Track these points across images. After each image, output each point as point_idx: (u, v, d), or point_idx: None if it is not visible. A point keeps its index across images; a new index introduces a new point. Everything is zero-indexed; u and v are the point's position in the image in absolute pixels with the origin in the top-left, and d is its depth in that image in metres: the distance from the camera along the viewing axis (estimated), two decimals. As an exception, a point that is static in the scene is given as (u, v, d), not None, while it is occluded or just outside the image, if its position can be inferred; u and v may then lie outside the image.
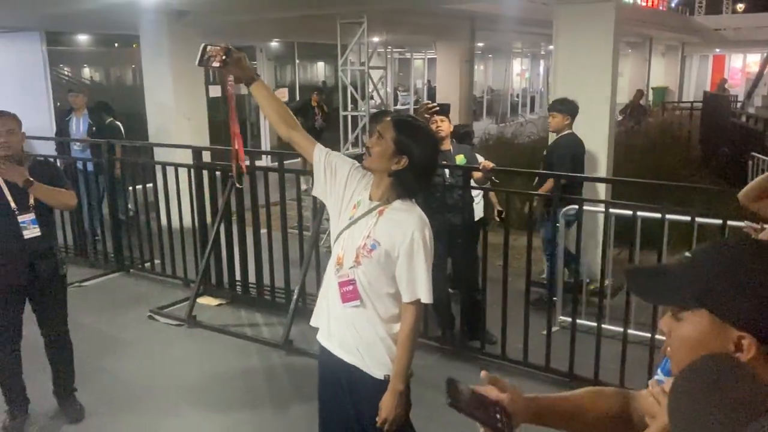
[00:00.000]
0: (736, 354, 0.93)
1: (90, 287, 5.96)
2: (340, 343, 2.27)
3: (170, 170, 5.83)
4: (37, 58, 9.80)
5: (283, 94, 12.60)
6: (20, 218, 3.35)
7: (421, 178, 2.22)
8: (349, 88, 7.48)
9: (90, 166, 6.71)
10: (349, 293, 2.22)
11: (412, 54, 19.90)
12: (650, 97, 22.46)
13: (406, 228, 2.16)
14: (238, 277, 5.56)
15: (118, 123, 7.31)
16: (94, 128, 6.95)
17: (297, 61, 14.37)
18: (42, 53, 9.80)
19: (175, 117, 7.77)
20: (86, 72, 11.97)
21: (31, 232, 3.38)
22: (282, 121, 2.34)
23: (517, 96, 23.63)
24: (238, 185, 5.04)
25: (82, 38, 11.17)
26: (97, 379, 4.17)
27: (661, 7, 21.87)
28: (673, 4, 25.06)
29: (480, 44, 18.33)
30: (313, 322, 2.40)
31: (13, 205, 3.34)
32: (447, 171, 4.46)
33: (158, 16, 7.46)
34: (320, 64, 16.53)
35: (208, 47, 2.21)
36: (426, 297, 2.19)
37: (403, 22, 11.31)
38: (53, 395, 3.78)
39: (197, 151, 5.64)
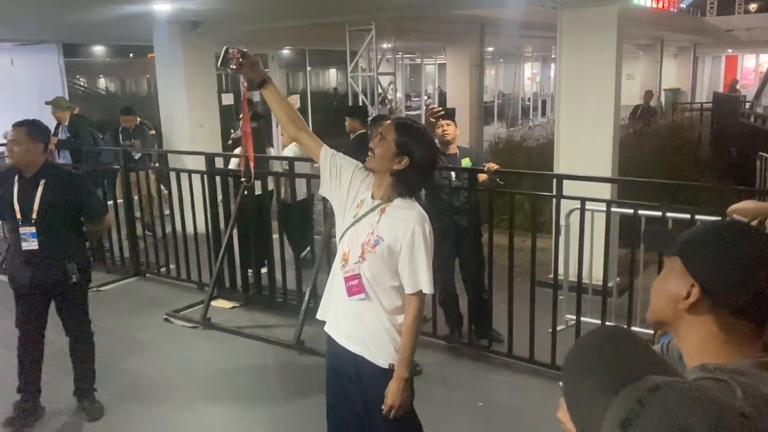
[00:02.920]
0: (684, 300, 1.09)
1: (107, 292, 6.12)
2: (347, 335, 2.38)
3: (183, 176, 5.97)
4: (54, 69, 10.04)
5: (295, 100, 12.76)
6: (21, 230, 3.49)
7: (420, 176, 2.34)
8: (360, 95, 7.61)
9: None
10: (355, 287, 2.32)
11: (423, 59, 20.03)
12: (662, 99, 22.38)
13: (407, 224, 2.28)
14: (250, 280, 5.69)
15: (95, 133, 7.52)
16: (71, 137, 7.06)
17: (308, 68, 14.55)
18: (59, 64, 10.04)
19: (188, 124, 7.93)
20: (101, 82, 12.21)
21: (29, 244, 3.49)
22: (291, 122, 2.48)
23: (528, 100, 23.66)
24: (245, 182, 5.14)
25: (98, 49, 11.41)
26: (117, 379, 4.30)
27: (672, 9, 21.82)
28: (684, 5, 24.97)
29: (490, 49, 18.42)
30: (319, 315, 2.51)
31: (18, 216, 3.48)
32: (453, 173, 4.55)
33: (172, 26, 7.64)
34: (332, 71, 16.72)
35: (230, 50, 2.34)
36: (427, 288, 2.31)
37: (412, 29, 11.43)
38: (73, 395, 3.92)
39: (210, 158, 5.78)
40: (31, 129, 3.49)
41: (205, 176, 5.74)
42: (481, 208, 4.79)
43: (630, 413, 0.67)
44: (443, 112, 4.48)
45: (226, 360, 4.66)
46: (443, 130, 4.49)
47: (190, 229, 6.05)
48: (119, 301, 5.86)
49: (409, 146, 2.28)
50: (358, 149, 4.14)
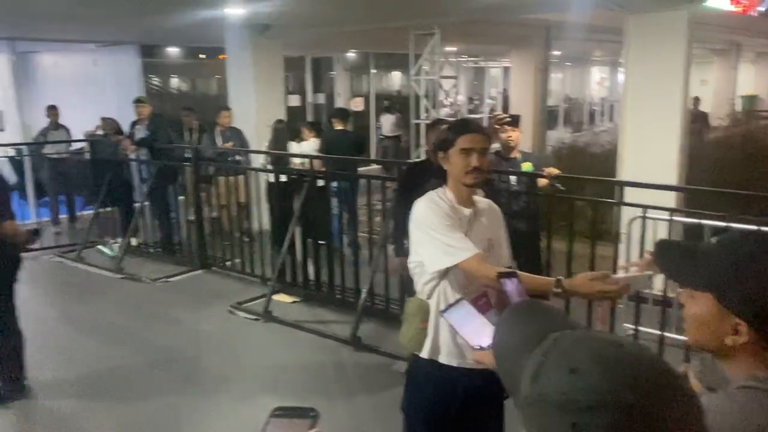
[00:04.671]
0: (733, 336, 1.06)
1: (176, 283, 6.41)
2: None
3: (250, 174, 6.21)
4: (133, 69, 10.56)
5: (359, 103, 12.97)
6: None
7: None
8: (422, 99, 7.69)
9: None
10: (485, 305, 2.14)
11: (487, 63, 19.91)
12: (738, 106, 21.48)
13: (494, 211, 2.42)
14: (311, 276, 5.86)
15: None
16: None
17: (372, 71, 14.72)
18: (138, 65, 10.54)
19: (256, 124, 8.20)
20: (175, 82, 12.72)
21: None
22: None
23: (596, 105, 23.16)
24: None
25: (172, 51, 11.90)
26: (178, 366, 4.54)
27: (752, 12, 20.89)
28: (764, 8, 23.87)
29: (557, 52, 18.15)
30: (443, 360, 2.34)
31: None
32: (513, 177, 4.58)
33: (242, 30, 7.92)
34: (396, 74, 16.85)
35: None
36: (511, 261, 2.47)
37: (478, 32, 11.42)
38: None
39: (275, 157, 5.99)
40: None
41: (269, 175, 5.96)
42: (541, 214, 4.79)
43: (538, 366, 0.75)
44: (509, 119, 4.55)
45: (284, 353, 4.82)
46: (507, 136, 4.56)
47: (255, 224, 6.28)
48: (186, 292, 6.13)
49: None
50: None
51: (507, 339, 0.91)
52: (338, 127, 7.14)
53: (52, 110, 8.49)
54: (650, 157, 5.20)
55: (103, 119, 7.98)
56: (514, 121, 4.71)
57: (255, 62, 8.12)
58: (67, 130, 8.52)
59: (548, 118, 14.75)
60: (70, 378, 4.41)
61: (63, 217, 8.57)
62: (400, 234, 4.21)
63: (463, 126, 2.36)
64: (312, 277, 5.85)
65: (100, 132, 8.01)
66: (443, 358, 2.34)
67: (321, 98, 13.53)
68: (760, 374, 1.06)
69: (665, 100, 5.10)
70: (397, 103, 12.76)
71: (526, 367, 0.76)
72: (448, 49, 13.77)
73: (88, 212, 7.99)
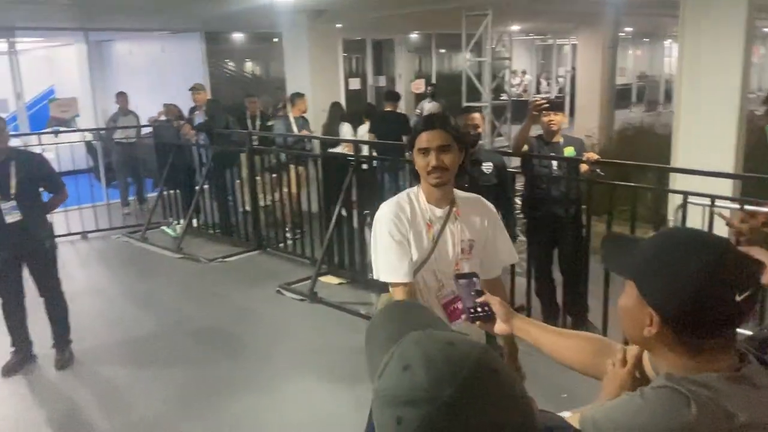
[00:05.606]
0: (648, 327, 1.05)
1: (231, 263, 6.66)
2: None
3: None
4: (197, 55, 10.91)
5: (420, 85, 12.90)
6: (2, 206, 4.02)
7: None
8: (474, 80, 7.59)
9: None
10: (458, 311, 2.13)
11: (555, 41, 19.35)
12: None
13: (482, 209, 2.29)
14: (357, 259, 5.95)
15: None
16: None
17: (435, 52, 14.61)
18: (201, 51, 10.89)
19: (311, 108, 8.33)
20: (236, 67, 13.03)
21: (12, 217, 4.05)
22: None
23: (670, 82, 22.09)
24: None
25: (234, 36, 12.21)
26: (224, 341, 4.75)
27: None
28: None
29: (628, 29, 17.42)
30: None
31: None
32: (554, 162, 4.49)
33: (298, 15, 8.04)
34: (460, 55, 16.64)
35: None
36: (513, 258, 2.39)
37: (540, 11, 11.12)
38: (52, 347, 4.44)
39: (325, 141, 6.08)
40: (3, 121, 4.11)
41: (319, 159, 6.07)
42: (583, 199, 4.67)
43: (384, 364, 0.79)
44: (547, 105, 4.43)
45: (327, 334, 4.94)
46: (549, 120, 4.45)
47: (305, 207, 6.43)
48: (239, 272, 6.36)
49: (462, 136, 2.22)
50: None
51: (374, 336, 0.96)
52: (388, 109, 7.18)
53: (122, 97, 8.91)
54: (705, 141, 4.95)
55: (166, 105, 8.32)
56: (556, 106, 4.61)
57: (310, 46, 8.24)
58: (136, 116, 8.92)
59: (619, 97, 14.22)
60: (122, 347, 4.75)
61: (132, 199, 9.01)
62: None
63: (423, 124, 2.19)
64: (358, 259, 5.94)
65: (163, 117, 8.34)
66: None
67: (382, 81, 13.55)
68: (675, 374, 1.05)
69: (721, 79, 4.82)
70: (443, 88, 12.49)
71: (379, 366, 0.80)
72: (513, 28, 13.47)
73: (155, 194, 8.38)
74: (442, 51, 15.25)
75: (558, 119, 4.48)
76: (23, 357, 4.40)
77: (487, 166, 4.17)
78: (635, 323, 1.10)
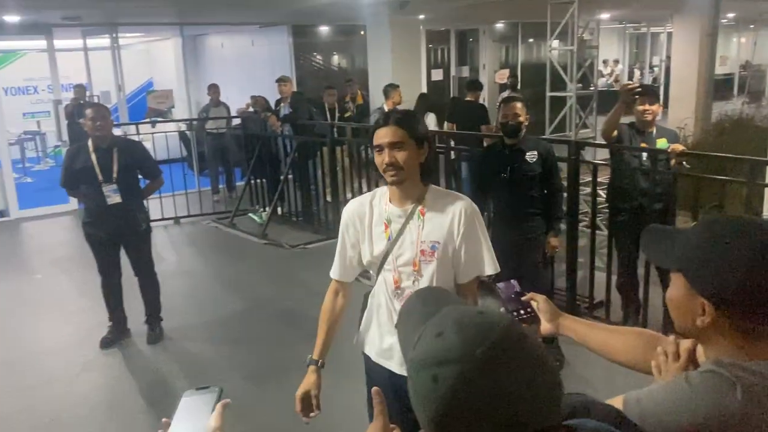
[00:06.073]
0: (701, 317, 1.05)
1: (311, 250, 6.86)
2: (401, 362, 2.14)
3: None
4: (284, 48, 11.22)
5: (504, 76, 12.69)
6: (104, 188, 4.32)
7: (433, 150, 2.21)
8: (559, 69, 7.41)
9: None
10: None
11: (650, 29, 18.51)
12: None
13: (456, 208, 2.09)
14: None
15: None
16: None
17: (521, 42, 14.33)
18: (288, 44, 11.18)
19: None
20: (321, 59, 13.28)
21: (113, 199, 4.35)
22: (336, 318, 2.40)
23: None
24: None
25: (319, 30, 12.45)
26: (303, 324, 4.88)
27: None
28: None
29: (731, 15, 16.43)
30: (367, 350, 2.38)
31: (100, 177, 4.31)
32: (644, 154, 4.32)
33: (380, 6, 8.11)
34: (547, 44, 16.23)
35: None
36: (493, 268, 2.14)
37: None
38: (144, 323, 4.75)
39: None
40: (107, 110, 4.48)
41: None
42: (678, 192, 4.47)
43: (419, 336, 0.85)
44: (639, 89, 4.25)
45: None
46: (644, 109, 4.25)
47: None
48: (320, 259, 6.45)
49: (419, 131, 2.07)
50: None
51: (407, 317, 1.01)
52: (468, 99, 7.15)
53: (214, 89, 9.31)
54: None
55: (254, 97, 8.62)
56: (650, 91, 4.42)
57: (392, 38, 8.29)
58: (226, 107, 9.30)
59: (718, 88, 13.45)
60: (208, 326, 5.05)
61: (221, 187, 9.42)
62: None
63: (381, 120, 2.08)
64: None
65: (251, 109, 8.65)
66: (370, 353, 2.35)
67: (465, 71, 13.43)
68: (725, 359, 1.02)
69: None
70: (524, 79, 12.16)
71: (413, 340, 0.86)
72: (603, 16, 13.00)
73: (242, 183, 8.73)
74: (530, 41, 14.90)
75: (654, 109, 4.29)
76: (119, 331, 4.73)
77: (531, 155, 4.05)
78: (687, 314, 1.09)
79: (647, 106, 4.24)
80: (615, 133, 4.30)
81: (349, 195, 7.38)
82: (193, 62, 12.89)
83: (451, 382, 0.75)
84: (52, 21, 8.62)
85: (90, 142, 4.37)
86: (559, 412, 0.79)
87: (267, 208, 7.91)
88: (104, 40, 10.93)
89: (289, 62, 11.20)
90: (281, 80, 7.92)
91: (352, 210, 2.23)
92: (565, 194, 4.44)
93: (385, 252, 2.13)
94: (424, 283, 2.10)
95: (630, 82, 5.18)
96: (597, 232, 4.88)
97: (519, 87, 10.33)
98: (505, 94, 9.89)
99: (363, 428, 1.21)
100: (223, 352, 4.56)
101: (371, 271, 2.27)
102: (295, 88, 8.90)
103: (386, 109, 7.49)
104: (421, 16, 8.95)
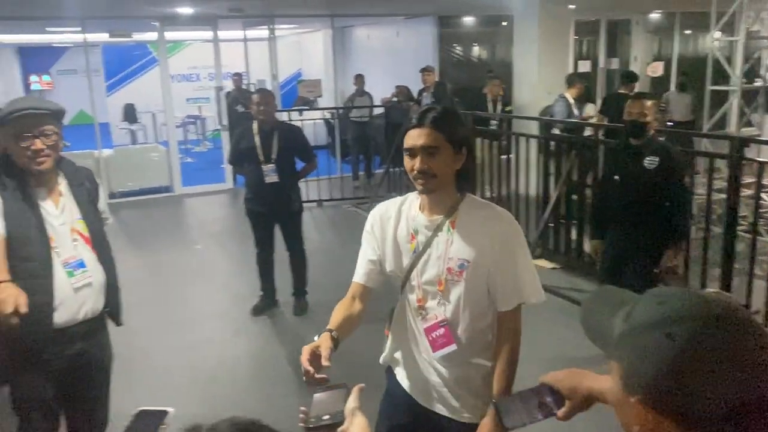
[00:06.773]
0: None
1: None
2: (430, 397, 1.98)
3: (522, 140, 6.34)
4: (429, 39, 11.33)
5: (657, 68, 11.99)
6: (264, 168, 4.61)
7: (474, 159, 1.92)
8: (724, 62, 6.89)
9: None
10: (441, 338, 1.87)
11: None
12: None
13: (491, 226, 1.83)
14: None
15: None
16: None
17: (678, 33, 13.41)
18: (433, 35, 11.28)
19: (536, 91, 8.22)
20: (468, 50, 13.24)
21: (271, 178, 4.65)
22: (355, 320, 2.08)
23: None
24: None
25: (465, 20, 12.41)
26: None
27: None
28: None
29: None
30: (399, 378, 2.12)
31: (261, 157, 4.62)
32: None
33: (530, -4, 7.96)
34: (705, 36, 15.05)
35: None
36: (538, 297, 1.88)
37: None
38: (291, 295, 5.08)
39: (545, 124, 6.02)
40: (272, 95, 4.85)
41: (540, 141, 6.03)
42: None
43: (627, 313, 0.88)
44: None
45: (535, 316, 4.93)
46: None
47: (522, 190, 6.44)
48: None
49: (458, 134, 1.81)
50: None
51: (596, 305, 1.02)
52: (621, 91, 6.86)
53: (359, 78, 9.64)
54: None
55: (398, 87, 8.82)
56: None
57: (540, 27, 8.11)
58: (370, 97, 9.59)
59: None
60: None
61: (361, 173, 9.75)
62: None
63: (416, 119, 1.81)
64: (575, 245, 5.82)
65: (394, 99, 8.86)
66: (399, 374, 2.10)
67: (614, 63, 12.81)
68: None
69: None
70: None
71: (616, 319, 0.89)
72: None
73: (381, 171, 8.99)
74: (687, 32, 13.90)
75: None
76: (269, 301, 5.10)
77: (651, 161, 3.70)
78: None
79: None
80: None
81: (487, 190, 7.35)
82: (341, 53, 13.38)
83: (686, 336, 0.78)
84: (219, 13, 9.34)
85: (255, 125, 4.73)
86: None
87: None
88: (261, 32, 11.63)
89: (433, 53, 11.29)
90: (426, 70, 8.04)
91: (376, 214, 2.01)
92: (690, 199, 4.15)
93: (410, 266, 1.91)
94: (450, 308, 1.86)
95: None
96: (758, 237, 4.53)
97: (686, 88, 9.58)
98: (674, 94, 9.33)
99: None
100: (361, 328, 4.75)
101: (397, 284, 2.03)
102: (437, 79, 8.98)
103: (570, 99, 7.14)
104: (571, 6, 8.65)
